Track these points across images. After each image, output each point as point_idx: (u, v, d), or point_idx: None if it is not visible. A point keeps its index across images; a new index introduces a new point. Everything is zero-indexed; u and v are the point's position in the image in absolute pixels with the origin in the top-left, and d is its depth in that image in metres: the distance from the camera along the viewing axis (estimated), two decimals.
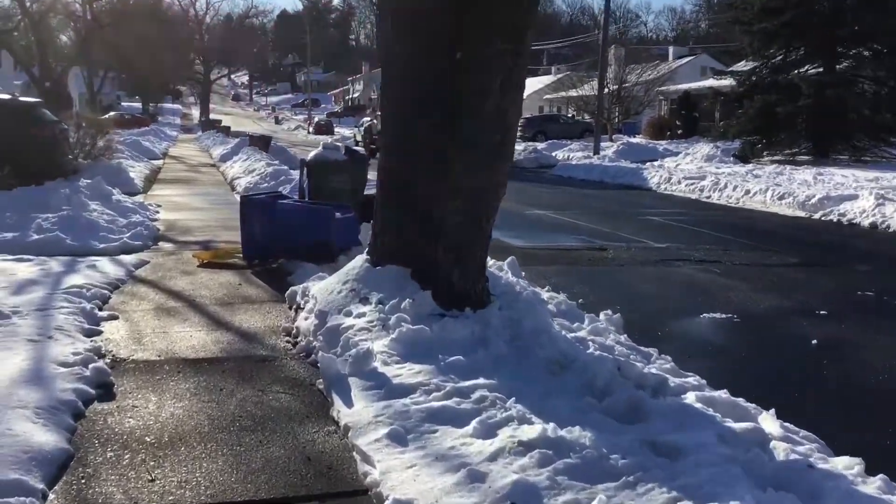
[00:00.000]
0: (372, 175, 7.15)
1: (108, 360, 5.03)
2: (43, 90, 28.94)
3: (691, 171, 22.02)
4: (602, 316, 5.95)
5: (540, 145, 35.41)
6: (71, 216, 9.82)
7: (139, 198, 14.69)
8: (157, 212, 12.50)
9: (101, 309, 6.33)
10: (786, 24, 24.45)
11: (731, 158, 26.00)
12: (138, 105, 79.83)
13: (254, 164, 20.20)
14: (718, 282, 8.82)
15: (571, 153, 33.15)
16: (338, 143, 10.28)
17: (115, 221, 10.30)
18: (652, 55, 53.47)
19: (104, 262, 8.08)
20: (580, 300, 6.92)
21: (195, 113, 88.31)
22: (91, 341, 5.36)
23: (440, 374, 4.24)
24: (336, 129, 63.00)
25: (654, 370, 4.58)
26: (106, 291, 6.86)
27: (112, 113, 60.24)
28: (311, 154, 10.10)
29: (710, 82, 33.47)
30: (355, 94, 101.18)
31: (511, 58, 5.07)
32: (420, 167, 5.31)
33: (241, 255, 8.49)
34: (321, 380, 4.61)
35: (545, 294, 6.34)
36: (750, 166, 23.90)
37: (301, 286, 6.47)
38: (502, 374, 4.24)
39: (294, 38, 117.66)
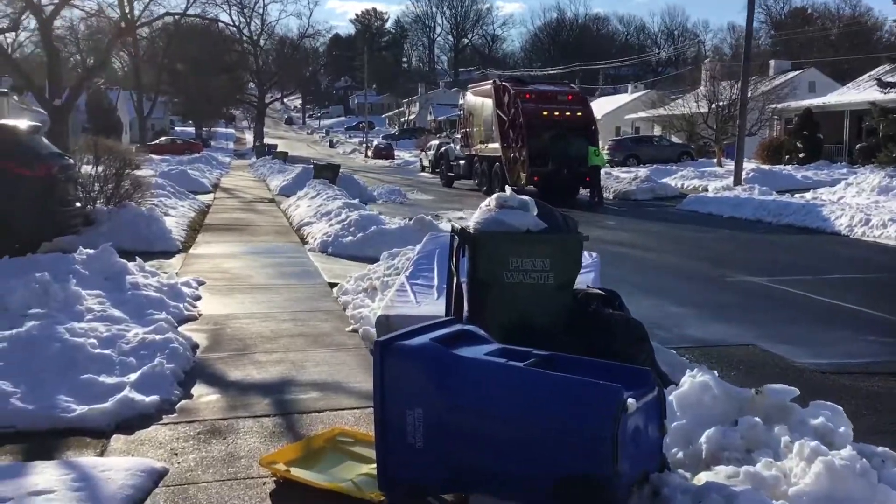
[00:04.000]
0: None
1: None
2: (52, 111, 24.23)
3: (892, 208, 16.76)
4: None
5: (640, 172, 30.13)
6: (34, 337, 5.24)
7: (175, 262, 10.14)
8: (198, 297, 7.87)
9: None
10: None
11: None
12: (191, 130, 77.12)
13: (326, 203, 15.60)
14: None
15: (686, 181, 27.99)
16: (523, 198, 5.47)
17: (119, 339, 5.63)
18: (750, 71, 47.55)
19: (61, 494, 3.46)
20: None
21: (249, 137, 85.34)
22: None
23: None
24: (396, 153, 58.57)
25: None
26: None
27: (163, 138, 57.56)
28: (475, 218, 5.31)
29: (872, 95, 27.88)
30: (411, 117, 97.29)
31: None
32: None
33: (367, 458, 3.81)
34: None
35: None
36: None
37: None
38: None
39: (346, 60, 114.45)
